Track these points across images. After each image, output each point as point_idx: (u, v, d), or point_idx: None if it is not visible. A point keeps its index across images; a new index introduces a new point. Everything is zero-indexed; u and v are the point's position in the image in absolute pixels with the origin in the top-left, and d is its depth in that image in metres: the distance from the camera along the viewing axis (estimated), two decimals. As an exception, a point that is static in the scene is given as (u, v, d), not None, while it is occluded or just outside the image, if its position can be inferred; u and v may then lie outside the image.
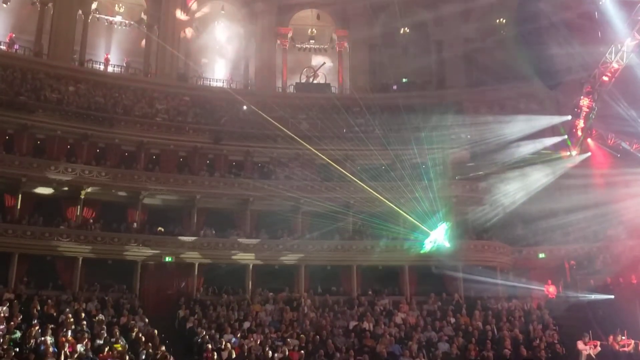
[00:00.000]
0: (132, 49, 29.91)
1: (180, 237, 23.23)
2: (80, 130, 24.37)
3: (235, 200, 25.19)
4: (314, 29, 32.81)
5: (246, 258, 23.42)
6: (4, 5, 27.91)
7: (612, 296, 21.05)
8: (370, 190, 24.66)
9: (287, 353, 16.76)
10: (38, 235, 21.12)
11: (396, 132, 25.97)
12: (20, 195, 22.25)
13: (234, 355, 16.43)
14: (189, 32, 30.99)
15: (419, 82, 31.40)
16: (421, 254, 23.80)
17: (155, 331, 17.16)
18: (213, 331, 18.05)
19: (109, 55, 29.16)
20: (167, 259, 22.66)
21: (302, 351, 17.17)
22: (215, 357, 15.97)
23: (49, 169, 22.49)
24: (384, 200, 24.28)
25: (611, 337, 17.47)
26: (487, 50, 29.84)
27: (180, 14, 30.41)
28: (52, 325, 15.83)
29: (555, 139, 25.30)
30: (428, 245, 23.46)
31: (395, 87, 31.05)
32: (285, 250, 23.92)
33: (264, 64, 31.07)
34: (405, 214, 23.42)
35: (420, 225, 23.35)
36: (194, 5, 31.13)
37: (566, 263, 24.50)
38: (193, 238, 23.33)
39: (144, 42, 29.92)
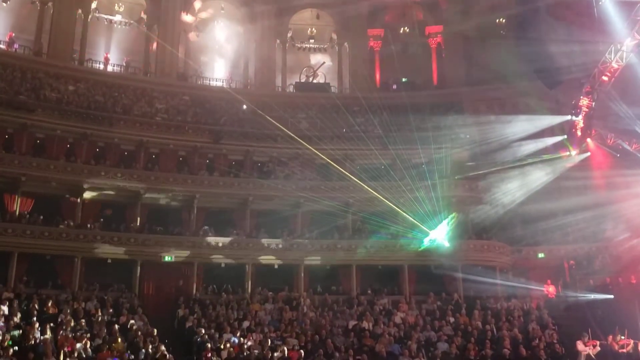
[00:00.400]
0: (132, 48, 29.91)
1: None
2: (80, 129, 24.37)
3: (235, 200, 25.19)
4: (313, 29, 32.82)
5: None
6: (4, 4, 27.90)
7: (612, 296, 21.05)
8: (370, 190, 24.66)
9: (286, 352, 16.76)
10: (37, 234, 21.10)
11: (396, 131, 25.97)
12: (19, 195, 22.26)
13: (233, 355, 16.43)
14: (189, 31, 30.98)
15: (419, 82, 31.41)
16: (421, 254, 23.80)
17: (155, 330, 17.17)
18: (212, 330, 18.04)
19: (109, 55, 29.16)
20: (167, 258, 22.66)
21: (302, 350, 17.16)
22: (215, 356, 15.98)
23: (48, 168, 22.51)
24: (384, 199, 24.28)
25: (610, 337, 17.47)
26: (487, 50, 29.84)
27: (184, 16, 30.43)
28: (52, 324, 15.84)
29: (555, 139, 25.30)
30: (427, 242, 23.44)
31: (395, 86, 31.07)
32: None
33: (263, 63, 31.06)
34: (404, 214, 23.41)
35: (419, 224, 23.35)
36: (196, 5, 31.13)
37: (565, 263, 24.50)
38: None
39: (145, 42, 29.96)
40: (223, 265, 23.37)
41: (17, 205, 22.15)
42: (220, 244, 23.33)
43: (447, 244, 23.41)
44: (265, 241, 23.84)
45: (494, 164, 25.60)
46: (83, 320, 16.84)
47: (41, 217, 21.96)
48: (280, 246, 23.88)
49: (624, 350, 16.95)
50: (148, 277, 22.63)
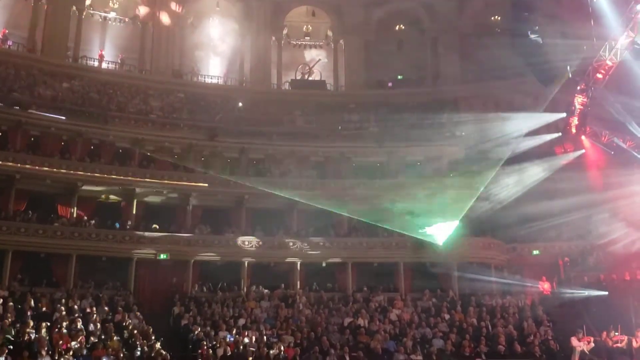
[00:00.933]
0: (127, 46, 29.80)
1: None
2: (75, 126, 24.27)
3: (231, 198, 25.14)
4: (309, 26, 32.78)
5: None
6: (-2, 0, 27.77)
7: (606, 293, 21.10)
8: (366, 187, 24.68)
9: (282, 350, 16.77)
10: (32, 232, 21.03)
11: (391, 128, 25.97)
12: (13, 192, 22.16)
13: (229, 352, 16.43)
14: (184, 28, 30.87)
15: (414, 79, 31.42)
16: (416, 251, 23.82)
17: (150, 328, 17.15)
18: (208, 328, 18.02)
19: (103, 52, 29.05)
20: (162, 256, 22.63)
21: (297, 348, 17.19)
22: (210, 354, 15.98)
23: (43, 165, 22.42)
24: (379, 197, 24.29)
25: (604, 333, 17.54)
26: (482, 47, 29.86)
27: (180, 13, 30.31)
28: (46, 323, 15.78)
29: (550, 136, 25.35)
30: (422, 239, 23.48)
31: (390, 83, 31.07)
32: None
33: (259, 60, 31.00)
34: (400, 211, 23.43)
35: (415, 222, 23.37)
36: (192, 2, 31.02)
37: (560, 260, 24.59)
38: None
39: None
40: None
41: (11, 202, 22.05)
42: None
43: (442, 241, 23.44)
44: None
45: (489, 161, 25.63)
46: (78, 319, 16.78)
47: (35, 214, 21.89)
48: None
49: (618, 346, 17.04)
50: (143, 275, 22.59)
